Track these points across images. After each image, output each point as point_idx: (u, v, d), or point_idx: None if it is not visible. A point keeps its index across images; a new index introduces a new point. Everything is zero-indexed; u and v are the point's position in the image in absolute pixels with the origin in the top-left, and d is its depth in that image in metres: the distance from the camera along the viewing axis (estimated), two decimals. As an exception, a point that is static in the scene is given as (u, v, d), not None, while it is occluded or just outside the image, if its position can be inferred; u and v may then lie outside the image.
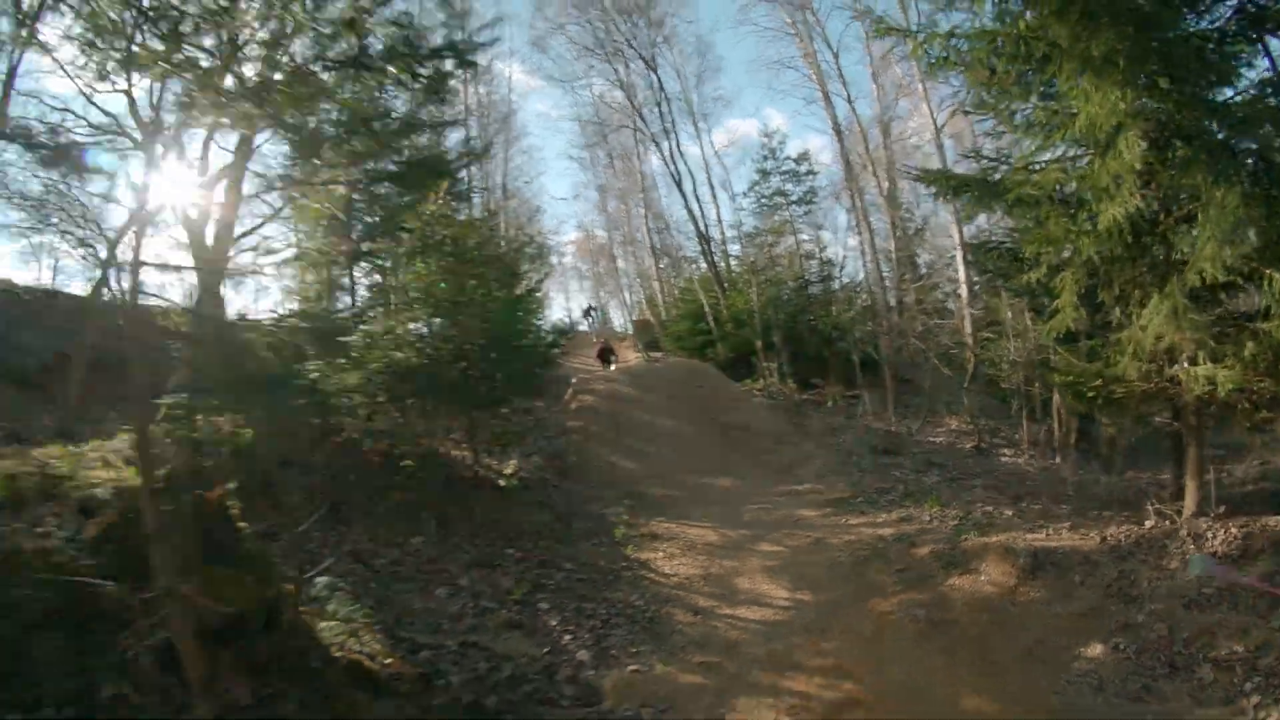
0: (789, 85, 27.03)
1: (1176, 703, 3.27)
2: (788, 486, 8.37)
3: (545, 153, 49.62)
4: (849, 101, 18.40)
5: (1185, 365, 4.76)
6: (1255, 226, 4.16)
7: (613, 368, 14.40)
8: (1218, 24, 4.98)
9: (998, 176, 6.05)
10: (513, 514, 6.06)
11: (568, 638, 4.03)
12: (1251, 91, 4.78)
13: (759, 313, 15.03)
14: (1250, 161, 4.46)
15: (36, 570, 2.50)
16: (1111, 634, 3.73)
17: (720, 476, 8.85)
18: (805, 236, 18.20)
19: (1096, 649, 3.63)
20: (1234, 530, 4.51)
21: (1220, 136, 4.59)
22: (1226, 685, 3.34)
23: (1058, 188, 5.38)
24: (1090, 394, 5.20)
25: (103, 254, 9.94)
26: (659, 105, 19.92)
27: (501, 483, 6.60)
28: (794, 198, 17.77)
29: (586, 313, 18.01)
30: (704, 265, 19.99)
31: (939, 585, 4.50)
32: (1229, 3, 4.94)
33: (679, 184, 19.41)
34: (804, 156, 18.04)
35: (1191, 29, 4.86)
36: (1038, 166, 5.50)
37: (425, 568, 4.87)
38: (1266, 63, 5.06)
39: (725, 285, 17.87)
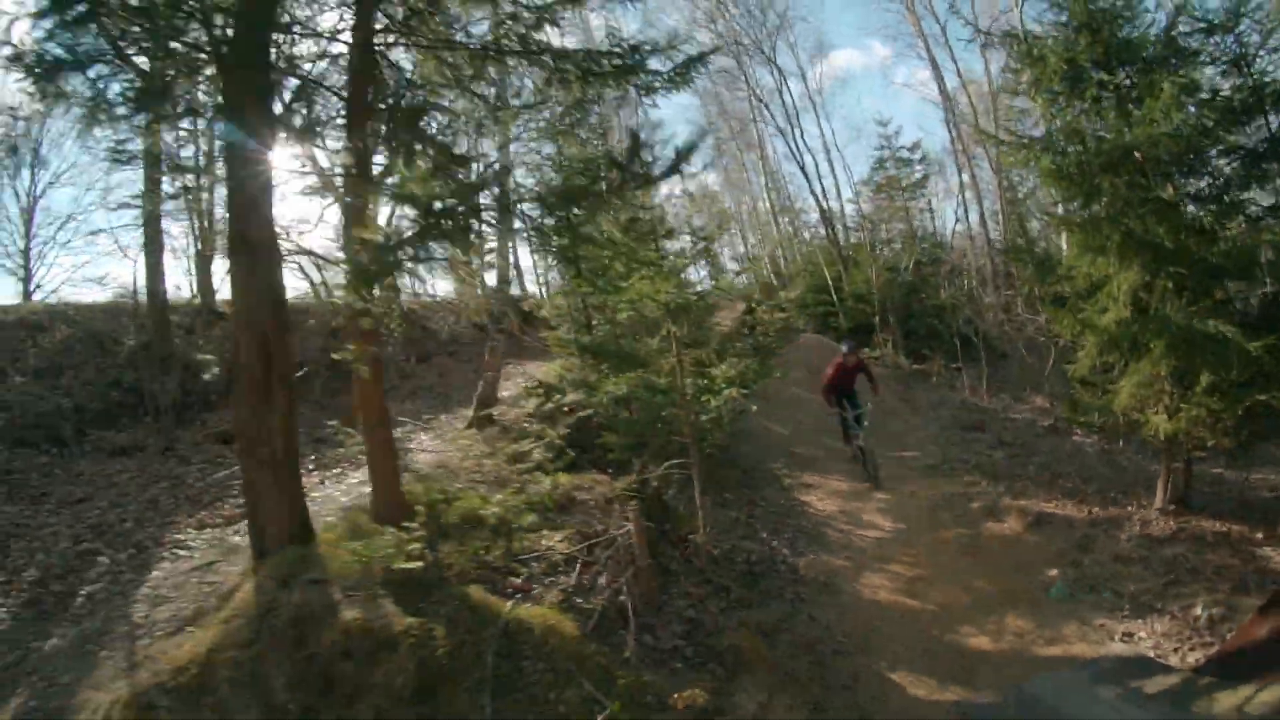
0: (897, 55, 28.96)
1: (1084, 605, 6.45)
2: (896, 452, 11.97)
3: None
4: (959, 75, 20.95)
5: (1149, 412, 7.99)
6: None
7: None
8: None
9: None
10: (718, 471, 9.91)
11: (775, 542, 7.95)
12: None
13: (877, 293, 18.26)
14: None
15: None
16: (1065, 566, 7.10)
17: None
18: (918, 221, 21.26)
19: (1053, 571, 7.01)
20: (1171, 523, 7.51)
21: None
22: (1115, 604, 6.33)
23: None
24: (1084, 421, 8.66)
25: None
26: (780, 94, 23.01)
27: (709, 450, 10.51)
28: (906, 183, 20.76)
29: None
30: (824, 234, 23.23)
31: (979, 526, 8.14)
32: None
33: (803, 168, 22.48)
34: (916, 145, 21.00)
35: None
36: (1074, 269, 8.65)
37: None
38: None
39: (847, 260, 21.04)
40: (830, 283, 20.35)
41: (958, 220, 21.72)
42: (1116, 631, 6.02)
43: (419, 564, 4.20)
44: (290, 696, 3.54)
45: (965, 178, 20.79)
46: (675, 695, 3.84)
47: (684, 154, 4.72)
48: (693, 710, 3.78)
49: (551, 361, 12.35)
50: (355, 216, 4.20)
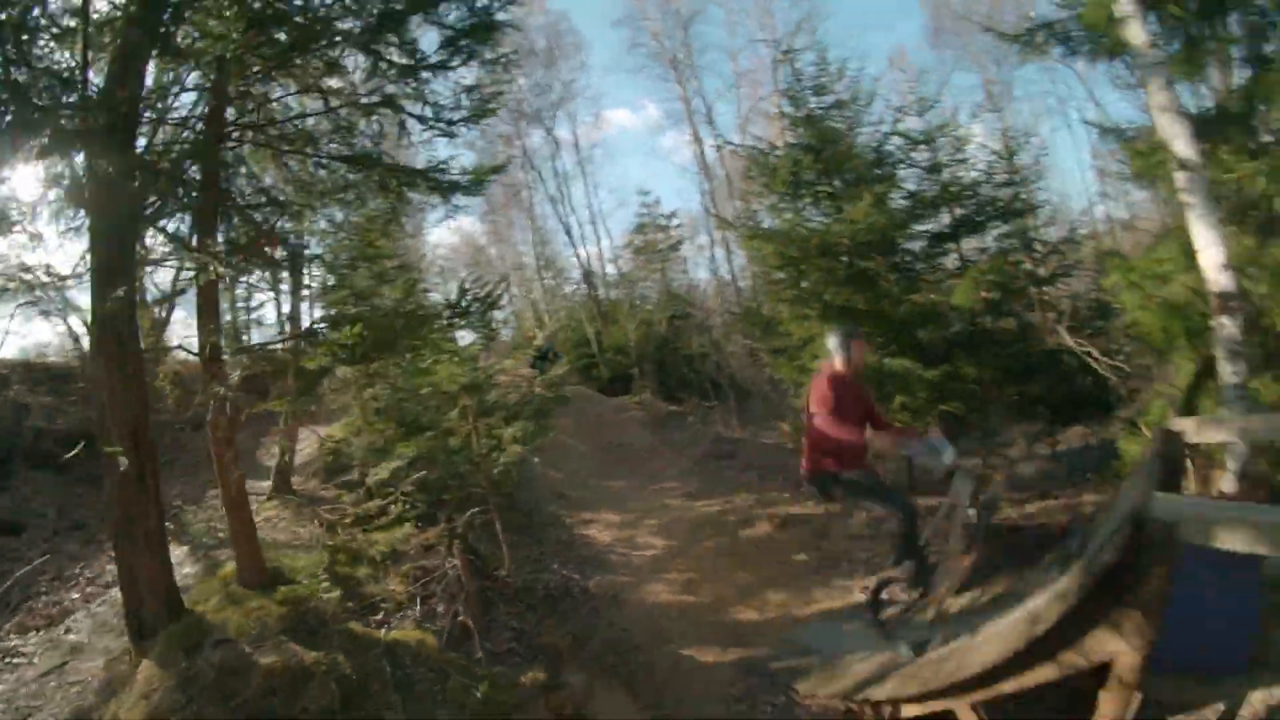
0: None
1: (828, 575, 8.64)
2: (658, 485, 13.69)
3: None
4: (717, 149, 24.38)
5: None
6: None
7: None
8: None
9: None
10: (506, 515, 10.83)
11: (565, 570, 9.05)
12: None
13: (634, 346, 20.42)
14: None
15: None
16: (807, 550, 9.13)
17: (614, 480, 14.11)
18: (673, 278, 24.09)
19: (801, 555, 8.98)
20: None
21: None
22: (852, 569, 8.40)
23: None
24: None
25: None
26: (553, 161, 25.03)
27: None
28: (663, 246, 23.50)
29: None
30: (586, 291, 25.31)
31: (736, 533, 9.95)
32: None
33: (568, 231, 24.51)
34: (673, 215, 24.01)
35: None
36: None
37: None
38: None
39: (606, 316, 23.13)
40: (591, 337, 22.19)
41: (711, 275, 24.74)
42: (855, 588, 7.84)
43: (337, 594, 4.88)
44: (232, 737, 4.07)
45: (718, 235, 23.99)
46: (522, 678, 4.85)
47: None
48: (539, 684, 4.81)
49: (335, 423, 12.60)
50: (207, 304, 4.79)
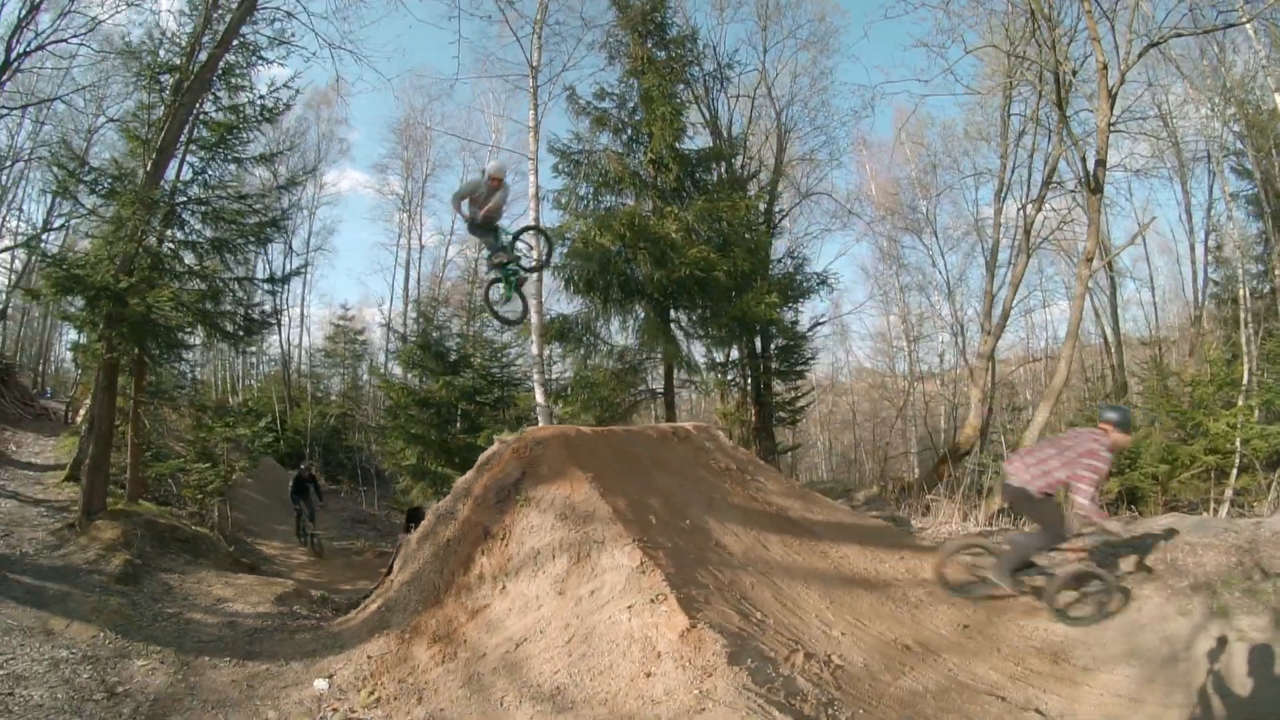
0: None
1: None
2: (325, 531, 22.01)
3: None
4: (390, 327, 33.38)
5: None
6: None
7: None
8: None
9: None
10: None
11: (246, 560, 17.37)
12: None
13: (309, 432, 28.35)
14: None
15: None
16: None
17: (281, 524, 22.18)
18: (359, 379, 32.47)
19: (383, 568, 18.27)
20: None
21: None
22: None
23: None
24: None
25: None
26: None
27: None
28: (349, 355, 32.00)
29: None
30: (282, 375, 32.50)
31: (365, 554, 18.88)
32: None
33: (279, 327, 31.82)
34: (362, 330, 32.52)
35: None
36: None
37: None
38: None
39: (293, 400, 30.67)
40: (277, 415, 29.68)
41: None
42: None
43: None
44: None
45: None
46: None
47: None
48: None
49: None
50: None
